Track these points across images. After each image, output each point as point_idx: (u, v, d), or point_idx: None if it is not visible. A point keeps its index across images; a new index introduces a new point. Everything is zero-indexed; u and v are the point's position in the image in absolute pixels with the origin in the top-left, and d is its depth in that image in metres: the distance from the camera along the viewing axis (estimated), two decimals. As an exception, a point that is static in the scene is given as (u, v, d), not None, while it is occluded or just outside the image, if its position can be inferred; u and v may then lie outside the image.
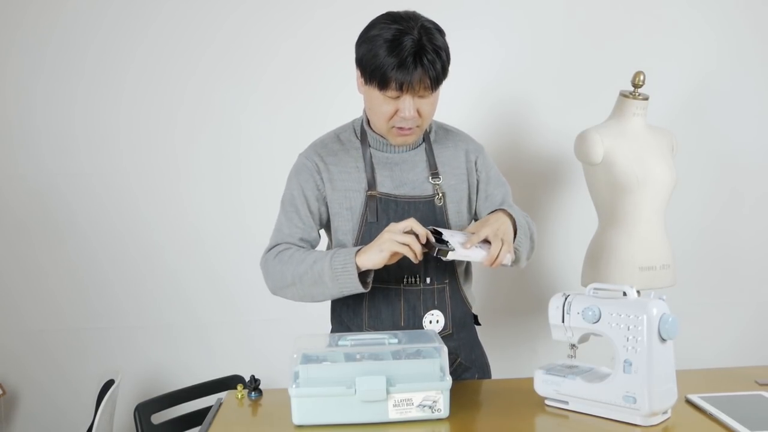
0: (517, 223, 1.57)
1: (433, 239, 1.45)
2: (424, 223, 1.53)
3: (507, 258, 1.47)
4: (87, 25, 2.47)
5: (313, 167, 1.64)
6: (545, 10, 2.57)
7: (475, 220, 1.72)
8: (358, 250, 1.48)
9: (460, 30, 2.48)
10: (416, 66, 1.45)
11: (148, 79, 2.51)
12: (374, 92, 1.51)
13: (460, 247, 1.45)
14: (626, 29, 2.58)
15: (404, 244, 1.43)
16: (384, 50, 1.45)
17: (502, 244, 1.46)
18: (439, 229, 1.49)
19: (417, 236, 1.44)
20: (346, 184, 1.62)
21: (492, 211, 1.60)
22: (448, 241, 1.44)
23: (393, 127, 1.55)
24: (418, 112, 1.52)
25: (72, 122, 2.51)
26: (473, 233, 1.49)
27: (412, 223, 1.44)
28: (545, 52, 2.58)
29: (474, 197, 1.70)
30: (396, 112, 1.52)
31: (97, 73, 2.50)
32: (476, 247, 1.47)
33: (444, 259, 1.44)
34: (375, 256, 1.45)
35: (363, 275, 1.50)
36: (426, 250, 1.45)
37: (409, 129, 1.55)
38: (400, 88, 1.47)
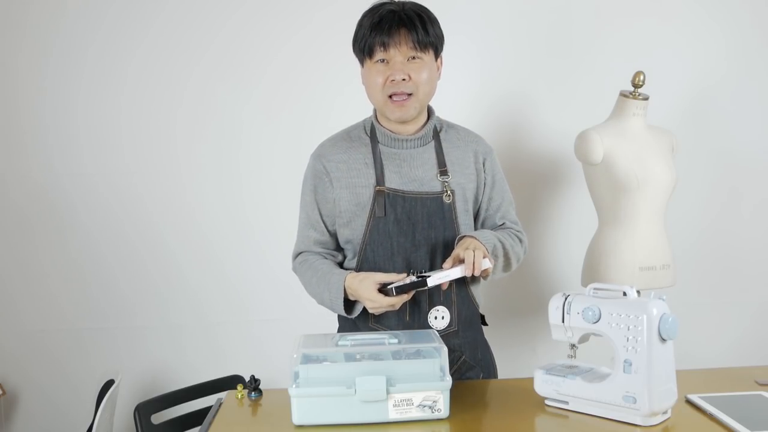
0: (485, 243, 1.58)
1: (409, 280, 1.52)
2: (432, 220, 1.60)
3: (485, 262, 1.51)
4: (89, 24, 2.47)
5: (321, 170, 1.67)
6: (545, 9, 2.56)
7: (474, 221, 1.73)
8: (348, 275, 1.58)
9: (460, 29, 2.49)
10: (397, 26, 1.54)
11: (151, 78, 2.50)
12: (367, 66, 1.60)
13: (436, 272, 1.52)
14: (626, 29, 2.58)
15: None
16: (366, 19, 1.58)
17: (474, 254, 1.50)
18: (424, 274, 1.54)
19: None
20: (354, 181, 1.64)
21: (460, 238, 1.61)
22: (427, 275, 1.51)
23: (388, 97, 1.59)
24: (410, 77, 1.57)
25: (75, 122, 2.51)
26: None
27: (389, 301, 1.51)
28: (545, 52, 2.58)
29: (480, 198, 1.72)
30: (387, 78, 1.57)
31: (99, 72, 2.49)
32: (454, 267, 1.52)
33: (427, 287, 1.51)
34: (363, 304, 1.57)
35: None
36: (410, 290, 1.52)
37: (403, 97, 1.58)
38: (384, 47, 1.55)
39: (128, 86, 2.50)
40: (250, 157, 2.55)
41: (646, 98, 2.19)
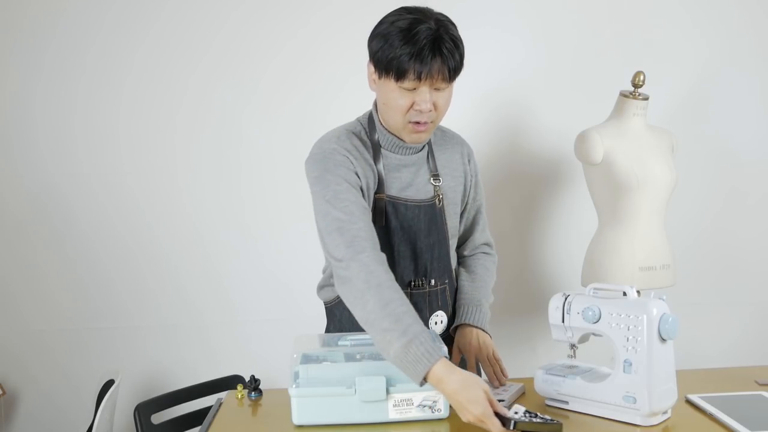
0: (485, 326, 1.65)
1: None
2: (429, 226, 1.58)
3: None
4: (87, 25, 2.47)
5: (342, 152, 1.54)
6: (545, 11, 2.56)
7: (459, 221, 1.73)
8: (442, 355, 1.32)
9: (461, 31, 2.49)
10: (434, 55, 1.42)
11: (148, 78, 2.50)
12: (390, 85, 1.47)
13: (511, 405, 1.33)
14: (626, 29, 2.57)
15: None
16: (399, 39, 1.42)
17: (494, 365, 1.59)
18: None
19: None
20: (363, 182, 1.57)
21: (466, 326, 1.64)
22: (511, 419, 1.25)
23: (409, 122, 1.50)
24: (434, 105, 1.48)
25: (71, 122, 2.51)
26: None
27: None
28: (545, 53, 2.58)
29: (466, 198, 1.71)
30: (412, 105, 1.47)
31: (96, 73, 2.49)
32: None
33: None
34: (454, 400, 1.29)
35: None
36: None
37: (425, 124, 1.50)
38: (418, 77, 1.43)
39: (125, 86, 2.50)
40: (249, 158, 2.54)
41: (646, 98, 2.19)
